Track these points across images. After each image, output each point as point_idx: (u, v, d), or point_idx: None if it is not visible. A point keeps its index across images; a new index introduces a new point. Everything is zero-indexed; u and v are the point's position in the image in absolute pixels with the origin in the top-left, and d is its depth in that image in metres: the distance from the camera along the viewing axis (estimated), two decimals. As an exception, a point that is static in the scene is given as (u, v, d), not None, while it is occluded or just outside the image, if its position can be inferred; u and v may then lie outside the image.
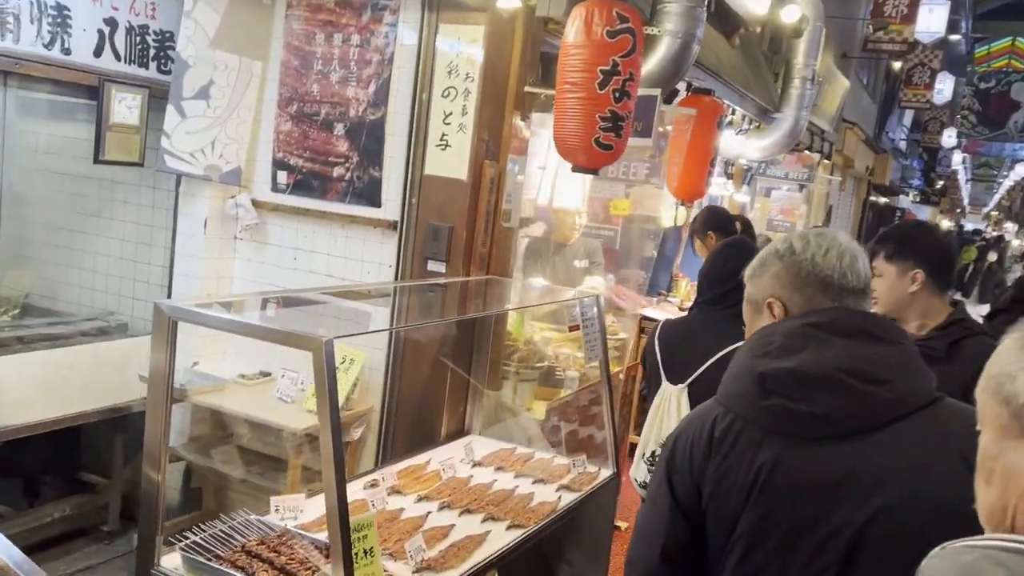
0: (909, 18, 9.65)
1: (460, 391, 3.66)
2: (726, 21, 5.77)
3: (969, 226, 39.24)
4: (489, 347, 3.63)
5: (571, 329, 3.20)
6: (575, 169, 3.14)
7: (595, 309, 3.37)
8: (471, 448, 3.32)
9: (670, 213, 6.42)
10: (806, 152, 7.89)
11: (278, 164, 3.91)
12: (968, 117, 22.84)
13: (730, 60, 5.72)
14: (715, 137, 4.82)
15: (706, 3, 3.87)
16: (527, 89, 3.61)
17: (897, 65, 12.73)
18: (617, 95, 2.93)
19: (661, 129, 5.40)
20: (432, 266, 3.57)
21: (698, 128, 4.80)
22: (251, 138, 3.91)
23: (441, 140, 3.51)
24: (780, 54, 6.80)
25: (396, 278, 3.64)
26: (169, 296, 4.01)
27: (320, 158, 3.80)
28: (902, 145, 21.66)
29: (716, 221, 4.19)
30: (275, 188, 3.92)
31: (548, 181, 4.72)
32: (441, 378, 3.59)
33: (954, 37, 22.32)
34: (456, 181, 3.50)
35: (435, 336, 3.58)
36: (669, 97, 4.76)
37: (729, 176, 6.63)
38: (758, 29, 6.17)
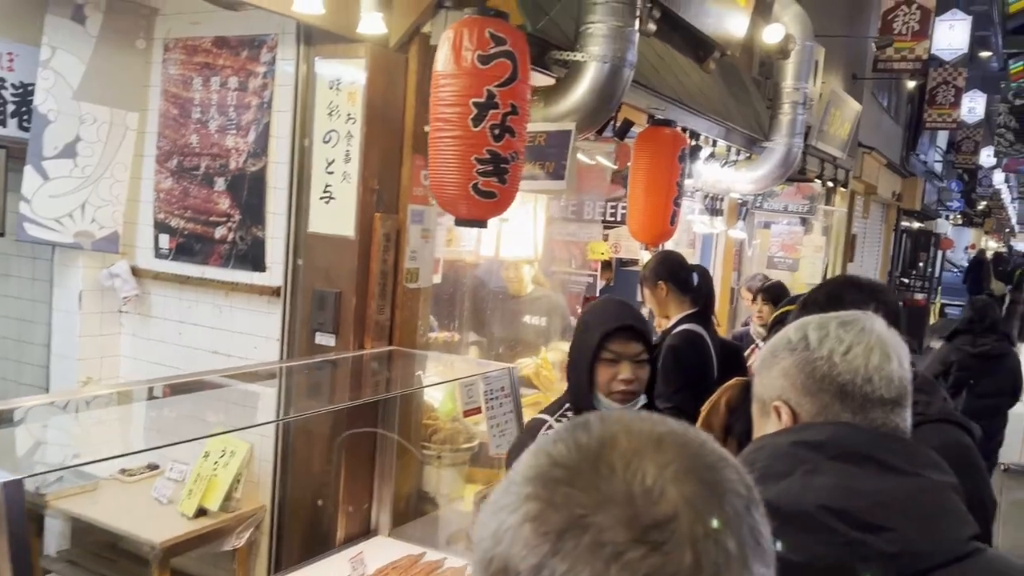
0: (921, 34, 9.02)
1: (363, 484, 3.11)
2: (698, 46, 5.24)
3: (1022, 247, 37.75)
4: (396, 430, 3.10)
5: (467, 414, 2.65)
6: (458, 223, 2.62)
7: (506, 385, 2.82)
8: (362, 561, 2.76)
9: (647, 257, 5.85)
10: (809, 182, 7.27)
11: (160, 226, 3.45)
12: (1005, 135, 21.84)
13: (703, 88, 5.18)
14: (679, 172, 4.27)
15: (638, 23, 3.34)
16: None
17: (912, 84, 12.04)
18: (496, 132, 2.41)
19: (616, 168, 4.88)
20: (320, 338, 3.06)
21: (657, 162, 4.25)
22: (129, 198, 3.46)
23: (325, 192, 3.02)
24: (772, 78, 6.24)
25: (281, 354, 3.14)
26: (48, 379, 3.56)
27: (202, 218, 3.33)
28: (937, 167, 20.79)
29: (669, 269, 3.62)
30: (158, 254, 3.46)
31: (491, 229, 4.21)
32: (339, 470, 3.06)
33: (984, 54, 21.57)
34: (342, 239, 3.00)
35: (328, 422, 3.05)
36: (624, 130, 4.23)
37: (717, 212, 6.05)
38: (736, 53, 5.63)
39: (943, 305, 20.47)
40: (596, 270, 5.97)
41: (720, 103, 5.44)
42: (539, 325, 4.95)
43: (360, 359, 3.00)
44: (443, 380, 3.00)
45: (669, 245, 6.13)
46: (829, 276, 10.51)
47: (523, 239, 4.37)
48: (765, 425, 1.30)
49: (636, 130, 4.45)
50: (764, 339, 4.81)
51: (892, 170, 13.24)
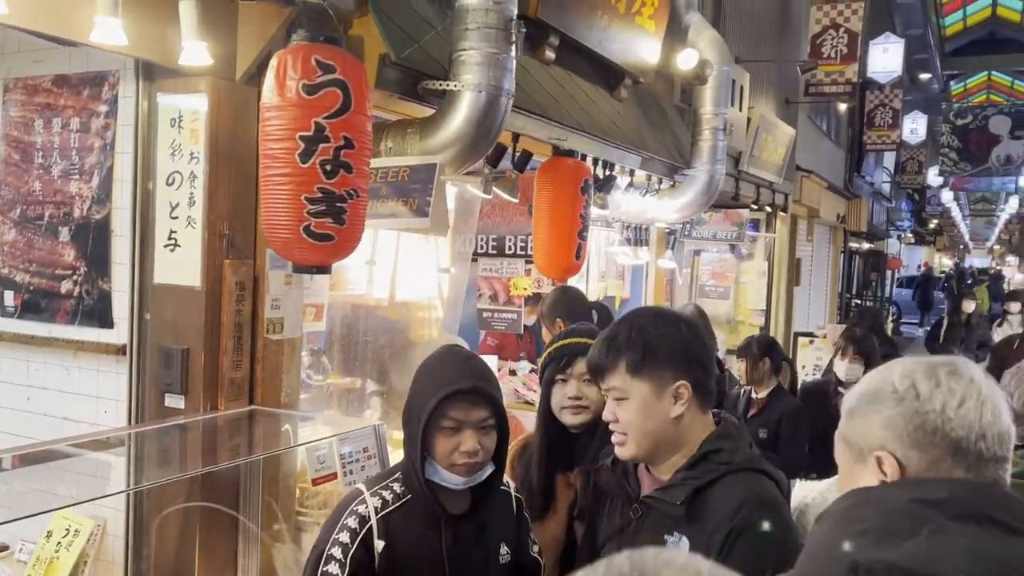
0: (850, 57, 9.02)
1: (225, 559, 2.82)
2: (607, 73, 5.09)
3: (977, 263, 38.25)
4: (260, 499, 2.82)
5: (317, 481, 2.38)
6: (296, 269, 2.37)
7: (371, 445, 2.56)
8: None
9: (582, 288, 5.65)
10: (741, 208, 7.14)
11: (4, 282, 3.16)
12: (949, 155, 22.14)
13: (615, 116, 5.02)
14: (582, 203, 4.07)
15: (515, 51, 3.15)
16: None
17: (844, 107, 12.09)
18: (328, 168, 2.18)
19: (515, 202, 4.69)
20: (170, 400, 2.78)
21: (560, 195, 4.06)
22: (-30, 253, 3.17)
23: (169, 239, 2.76)
24: (692, 105, 6.12)
25: (128, 419, 2.85)
26: None
27: (47, 271, 3.06)
28: (885, 188, 21.00)
29: (567, 307, 3.41)
30: (3, 312, 3.17)
31: (385, 273, 3.97)
32: (194, 546, 2.76)
33: (924, 76, 21.93)
34: (189, 289, 2.73)
35: (180, 493, 2.76)
36: (523, 161, 4.03)
37: (642, 243, 5.87)
38: (651, 80, 5.49)
39: (894, 323, 20.53)
40: (520, 306, 5.75)
41: (635, 132, 5.28)
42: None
43: (213, 422, 2.73)
44: (287, 447, 2.73)
45: (595, 278, 5.95)
46: (774, 302, 10.42)
47: (423, 279, 4.14)
48: (860, 474, 1.23)
49: (542, 159, 4.26)
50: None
51: (835, 192, 13.26)
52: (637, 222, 5.89)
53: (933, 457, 1.16)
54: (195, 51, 2.33)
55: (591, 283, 5.86)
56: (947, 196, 28.15)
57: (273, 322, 2.90)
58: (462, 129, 3.06)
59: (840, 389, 4.83)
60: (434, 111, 3.16)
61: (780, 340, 10.62)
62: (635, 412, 1.63)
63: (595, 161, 4.82)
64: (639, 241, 5.88)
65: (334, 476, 2.38)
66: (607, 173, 4.94)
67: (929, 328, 13.71)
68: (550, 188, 4.09)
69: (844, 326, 8.38)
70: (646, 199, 5.73)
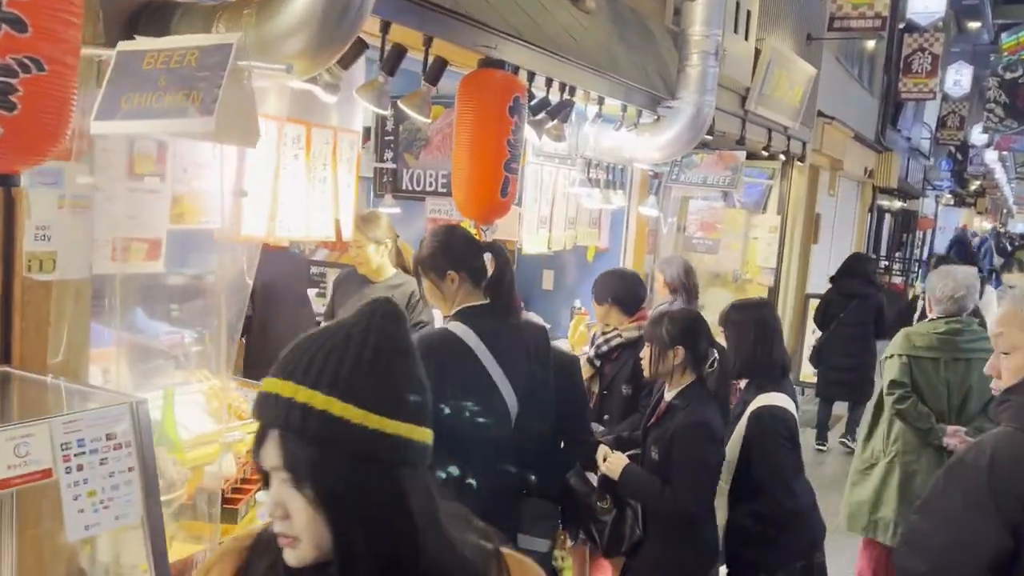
0: (882, -14, 8.02)
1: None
2: (571, -23, 4.27)
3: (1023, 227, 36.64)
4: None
5: (7, 483, 1.68)
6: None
7: (121, 431, 1.87)
8: None
9: (533, 237, 4.90)
10: (739, 152, 6.28)
11: None
12: (995, 111, 20.76)
13: (573, 29, 4.20)
14: (510, 127, 3.30)
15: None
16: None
17: (872, 45, 11.02)
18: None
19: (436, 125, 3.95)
20: None
21: (483, 116, 3.29)
22: None
23: None
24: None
25: None
26: None
27: None
28: (924, 144, 19.79)
29: (453, 254, 2.66)
30: None
31: (259, 200, 3.23)
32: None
33: (974, 25, 20.50)
34: (-94, 213, 2.04)
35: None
36: (435, 71, 3.25)
37: (614, 185, 5.08)
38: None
39: (927, 288, 19.43)
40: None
41: (602, 51, 4.46)
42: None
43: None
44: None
45: (560, 224, 5.18)
46: (787, 260, 9.57)
47: (316, 213, 3.40)
48: None
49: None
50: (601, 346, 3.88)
51: (864, 144, 12.25)
52: (613, 161, 5.10)
53: None
54: None
55: (555, 231, 5.10)
56: (991, 156, 26.71)
57: (38, 257, 2.20)
58: (308, 10, 2.30)
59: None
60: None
61: (790, 301, 9.83)
62: None
63: (548, 83, 4.04)
64: (612, 183, 5.09)
65: (47, 474, 1.71)
66: (564, 98, 4.15)
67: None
68: (471, 107, 3.32)
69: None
70: (621, 134, 4.93)
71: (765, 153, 7.74)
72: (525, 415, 2.63)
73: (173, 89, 1.95)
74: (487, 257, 2.67)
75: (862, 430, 4.29)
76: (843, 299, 7.68)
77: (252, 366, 4.98)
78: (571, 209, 5.28)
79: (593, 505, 3.13)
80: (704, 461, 2.83)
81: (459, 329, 2.53)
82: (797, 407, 3.17)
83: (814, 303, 9.09)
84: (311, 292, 5.53)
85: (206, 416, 3.31)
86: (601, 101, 4.57)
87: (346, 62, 2.68)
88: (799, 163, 9.08)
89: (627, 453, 3.12)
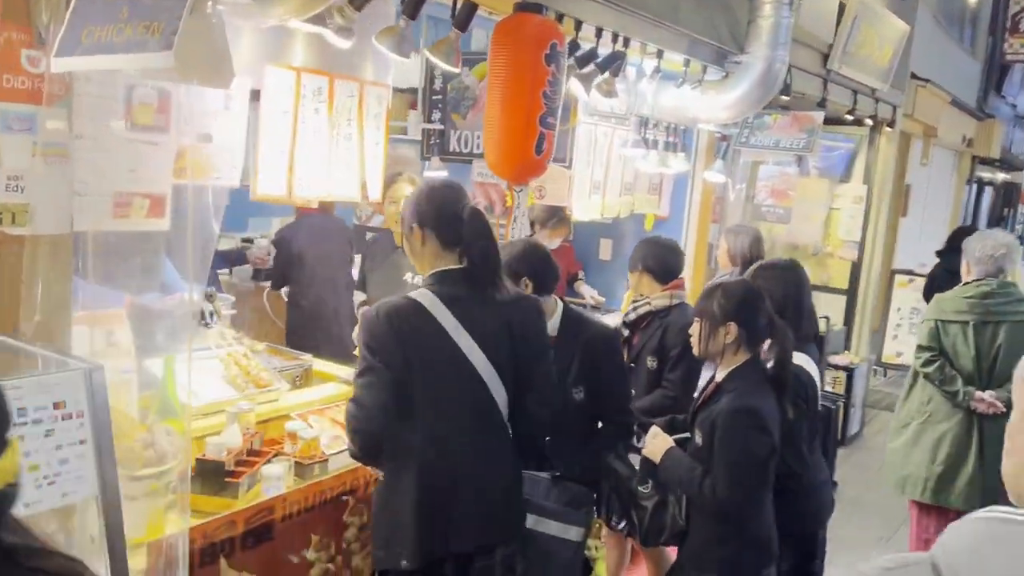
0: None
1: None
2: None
3: None
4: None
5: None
6: None
7: (74, 399, 1.69)
8: None
9: (585, 203, 4.60)
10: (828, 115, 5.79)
11: None
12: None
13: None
14: (546, 77, 3.00)
15: None
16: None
17: (974, 1, 10.15)
18: None
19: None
20: None
21: (514, 65, 3.01)
22: None
23: None
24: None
25: None
26: None
27: None
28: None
29: (421, 208, 2.35)
30: None
31: (278, 154, 3.03)
32: None
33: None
34: None
35: None
36: (465, 16, 2.98)
37: (675, 147, 4.71)
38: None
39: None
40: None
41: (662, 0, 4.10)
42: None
43: None
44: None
45: (614, 190, 4.87)
46: (871, 234, 8.97)
47: (340, 172, 3.19)
48: None
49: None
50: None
51: (962, 110, 11.40)
52: (673, 121, 4.74)
53: None
54: None
55: (609, 196, 4.78)
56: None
57: (10, 210, 2.04)
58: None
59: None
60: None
61: (874, 277, 9.24)
62: None
63: (598, 33, 3.71)
64: (673, 146, 4.73)
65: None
66: (615, 49, 3.82)
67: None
68: (504, 55, 3.04)
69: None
70: (683, 91, 4.57)
71: (849, 117, 7.20)
72: (521, 397, 2.37)
73: (135, 20, 1.75)
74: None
75: (902, 392, 4.36)
76: (949, 275, 7.16)
77: (293, 333, 4.86)
78: (628, 174, 4.94)
79: (634, 489, 2.86)
80: (748, 451, 2.51)
81: (423, 296, 2.27)
82: (822, 374, 3.07)
83: (901, 280, 8.52)
84: (359, 258, 5.37)
85: (224, 383, 3.16)
86: (660, 54, 4.21)
87: (358, 2, 2.43)
88: (888, 129, 8.44)
89: (676, 437, 2.81)
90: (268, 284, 5.23)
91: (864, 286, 8.47)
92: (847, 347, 7.77)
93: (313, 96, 3.04)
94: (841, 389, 6.44)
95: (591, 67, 3.70)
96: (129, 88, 2.47)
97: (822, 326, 6.28)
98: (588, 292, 5.38)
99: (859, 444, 7.03)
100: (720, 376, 2.70)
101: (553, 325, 2.90)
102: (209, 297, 3.52)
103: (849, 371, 6.47)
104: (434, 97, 5.00)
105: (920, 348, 4.08)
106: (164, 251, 2.78)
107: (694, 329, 2.72)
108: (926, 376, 4.04)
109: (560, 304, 2.93)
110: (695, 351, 2.76)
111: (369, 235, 5.12)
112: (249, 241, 5.53)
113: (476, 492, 2.30)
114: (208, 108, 2.70)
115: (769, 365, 2.67)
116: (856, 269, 8.24)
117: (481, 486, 2.31)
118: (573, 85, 3.68)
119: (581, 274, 5.65)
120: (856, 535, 4.98)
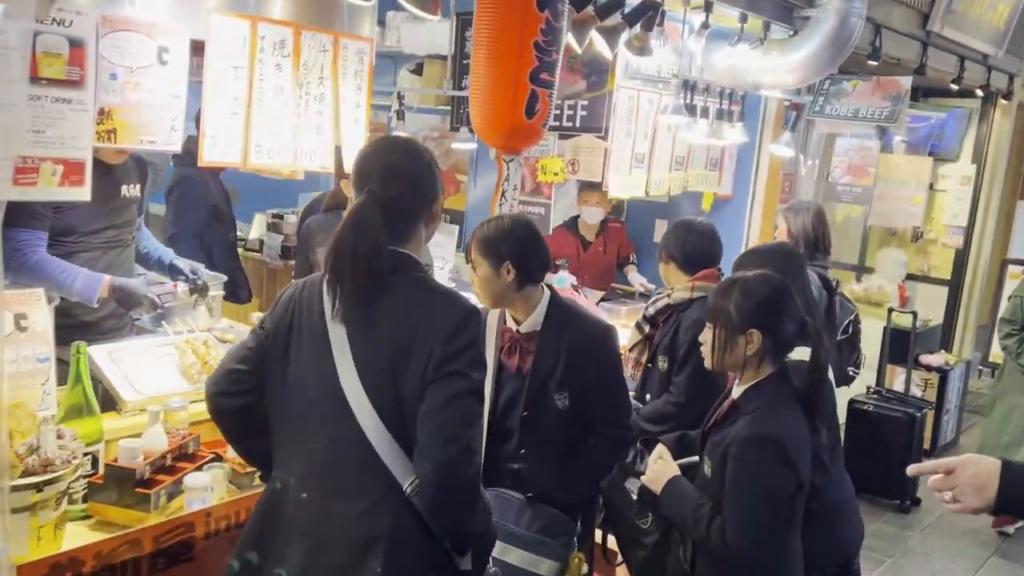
0: None
1: None
2: None
3: None
4: None
5: None
6: None
7: None
8: None
9: (624, 178, 4.08)
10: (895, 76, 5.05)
11: None
12: None
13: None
14: (538, 24, 2.52)
15: None
16: None
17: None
18: None
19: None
20: None
21: (501, 12, 2.55)
22: None
23: None
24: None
25: None
26: None
27: None
28: None
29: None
30: None
31: (227, 117, 2.67)
32: None
33: None
34: None
35: None
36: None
37: (729, 116, 4.13)
38: None
39: None
40: (549, 197, 4.33)
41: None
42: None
43: None
44: None
45: (662, 165, 4.34)
46: (981, 219, 8.06)
47: (309, 138, 2.81)
48: None
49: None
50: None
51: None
52: (730, 85, 4.16)
53: None
54: None
55: (655, 172, 4.25)
56: None
57: None
58: None
59: None
60: None
61: (982, 267, 8.31)
62: None
63: (627, -20, 3.21)
64: (728, 115, 4.16)
65: None
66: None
67: None
68: (492, 4, 2.58)
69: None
70: (739, 51, 4.00)
71: (955, 87, 6.39)
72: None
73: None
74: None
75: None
76: None
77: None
78: (680, 147, 4.40)
79: (630, 523, 2.38)
80: (766, 489, 1.99)
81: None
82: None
83: (1014, 271, 7.62)
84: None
85: (179, 375, 2.85)
86: (708, 7, 3.66)
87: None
88: (1003, 101, 7.55)
89: (683, 461, 2.30)
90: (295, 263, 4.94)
91: (970, 277, 7.64)
92: (944, 345, 6.97)
93: (274, 50, 2.67)
94: (932, 394, 5.70)
95: (616, 18, 3.20)
96: (31, 35, 2.16)
97: (907, 320, 5.57)
98: (637, 280, 4.88)
99: (953, 454, 6.27)
100: (736, 393, 2.18)
101: (537, 319, 2.44)
102: (194, 274, 3.21)
103: (943, 373, 5.73)
104: (464, 62, 4.59)
105: (1003, 321, 4.32)
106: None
107: (706, 336, 2.19)
108: (1004, 348, 4.28)
109: (547, 293, 2.47)
110: (707, 363, 2.23)
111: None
112: (280, 217, 5.27)
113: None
114: (135, 62, 2.37)
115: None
116: (961, 258, 7.42)
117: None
118: (596, 40, 3.20)
119: (633, 257, 5.13)
120: (941, 566, 4.33)
